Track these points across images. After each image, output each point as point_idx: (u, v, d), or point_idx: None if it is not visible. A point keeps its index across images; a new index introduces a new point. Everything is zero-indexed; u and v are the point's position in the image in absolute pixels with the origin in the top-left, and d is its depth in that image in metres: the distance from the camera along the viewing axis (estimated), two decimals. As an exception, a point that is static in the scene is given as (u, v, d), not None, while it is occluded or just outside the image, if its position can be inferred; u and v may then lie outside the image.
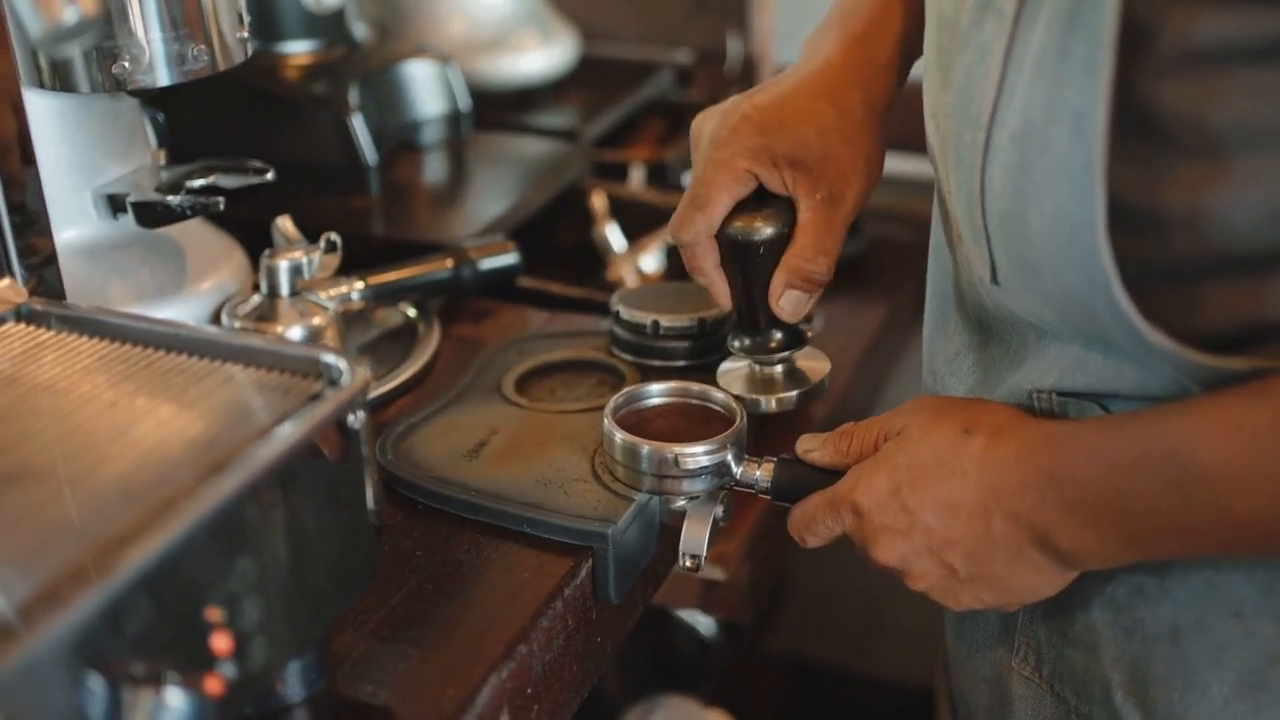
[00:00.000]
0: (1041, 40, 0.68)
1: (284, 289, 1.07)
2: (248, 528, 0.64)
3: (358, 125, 1.33)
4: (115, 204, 1.05)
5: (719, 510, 0.89)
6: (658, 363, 1.06)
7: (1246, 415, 0.67)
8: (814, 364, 0.98)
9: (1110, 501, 0.72)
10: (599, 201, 1.42)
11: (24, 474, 0.66)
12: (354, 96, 1.34)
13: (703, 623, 1.73)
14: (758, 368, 0.97)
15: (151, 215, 1.03)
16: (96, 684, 0.55)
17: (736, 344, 0.95)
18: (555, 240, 1.42)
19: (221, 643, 0.63)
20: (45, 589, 0.57)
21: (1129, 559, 0.75)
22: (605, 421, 0.91)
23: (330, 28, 1.40)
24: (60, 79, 0.98)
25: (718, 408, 0.93)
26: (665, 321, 1.05)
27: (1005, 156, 0.72)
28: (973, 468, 0.76)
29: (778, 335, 0.94)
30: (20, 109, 0.78)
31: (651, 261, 1.38)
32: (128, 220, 1.05)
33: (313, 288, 1.09)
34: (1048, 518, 0.74)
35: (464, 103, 1.48)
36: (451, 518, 0.92)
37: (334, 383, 0.73)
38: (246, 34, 1.04)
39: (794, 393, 0.95)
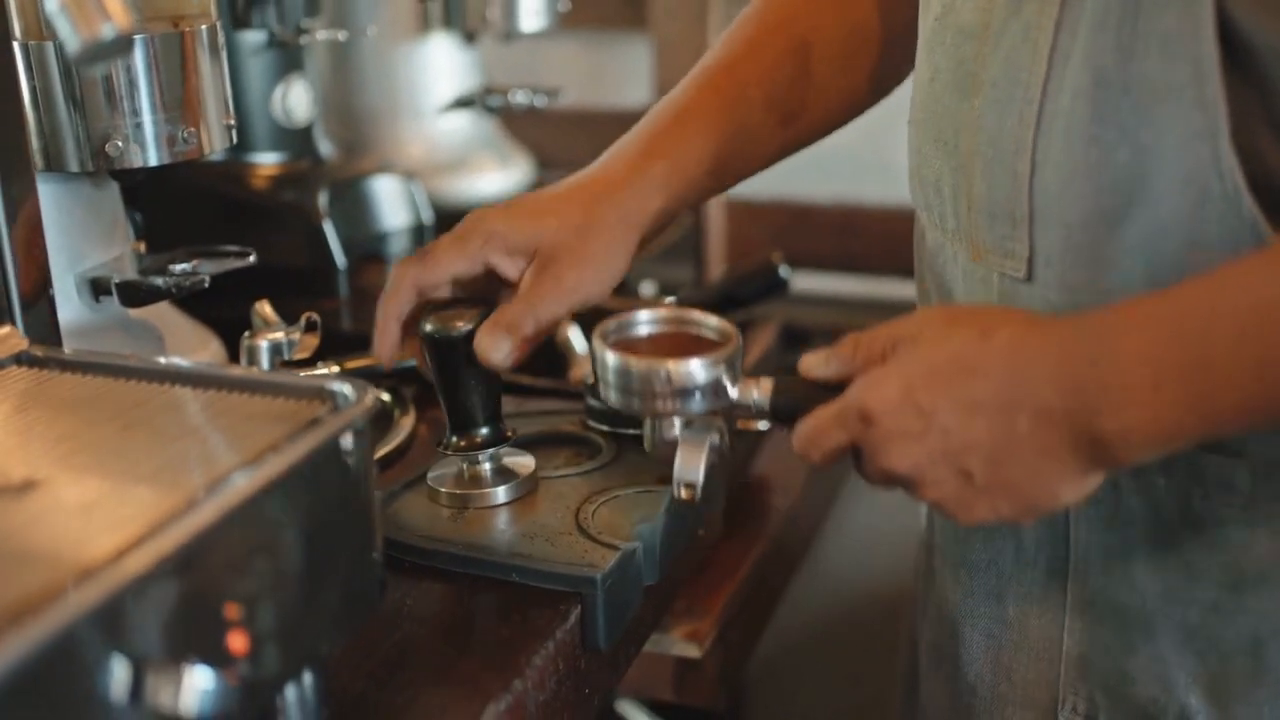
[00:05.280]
0: None
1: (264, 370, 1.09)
2: (254, 543, 0.65)
3: (328, 229, 1.36)
4: (98, 287, 1.07)
5: (715, 437, 0.85)
6: (634, 431, 1.06)
7: None
8: (520, 460, 1.01)
9: (1182, 354, 0.68)
10: (561, 306, 1.46)
11: (16, 497, 0.67)
12: (324, 202, 1.38)
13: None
14: (466, 466, 0.99)
15: (136, 294, 1.05)
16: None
17: (447, 442, 0.97)
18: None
19: (231, 644, 0.63)
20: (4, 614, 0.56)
21: (1187, 435, 0.70)
22: (595, 343, 0.86)
23: (297, 142, 1.45)
24: (50, 159, 1.00)
25: (712, 334, 0.87)
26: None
27: (1068, 118, 0.75)
28: (996, 365, 0.72)
29: (483, 432, 0.96)
30: (25, 137, 0.80)
31: (613, 362, 1.41)
32: (109, 305, 1.07)
33: (290, 371, 1.10)
34: (1090, 402, 0.70)
35: (427, 216, 1.52)
36: (439, 573, 0.93)
37: (338, 409, 0.74)
38: (232, 121, 1.07)
39: (500, 488, 0.97)
